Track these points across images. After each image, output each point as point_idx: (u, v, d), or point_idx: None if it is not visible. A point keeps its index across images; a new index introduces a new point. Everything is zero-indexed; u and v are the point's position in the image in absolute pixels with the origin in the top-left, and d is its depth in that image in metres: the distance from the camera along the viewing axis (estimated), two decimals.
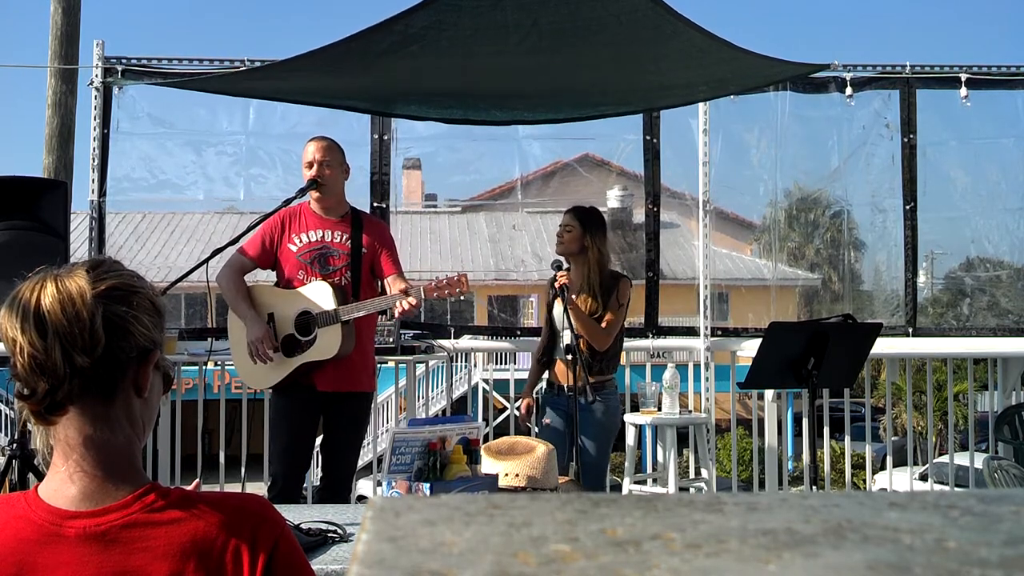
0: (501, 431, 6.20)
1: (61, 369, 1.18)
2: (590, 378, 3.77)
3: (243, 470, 4.66)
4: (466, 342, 5.46)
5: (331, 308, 3.65)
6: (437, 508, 0.46)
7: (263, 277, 4.10)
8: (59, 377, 1.19)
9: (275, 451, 3.90)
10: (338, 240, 3.81)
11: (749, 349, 5.03)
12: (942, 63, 5.40)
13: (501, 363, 12.93)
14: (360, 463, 4.33)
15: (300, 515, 2.34)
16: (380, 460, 4.67)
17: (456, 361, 8.14)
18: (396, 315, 3.71)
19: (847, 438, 5.56)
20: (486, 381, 6.97)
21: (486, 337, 5.90)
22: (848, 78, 5.29)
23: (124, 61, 5.08)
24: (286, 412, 3.84)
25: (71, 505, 1.20)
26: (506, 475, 2.67)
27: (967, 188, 5.70)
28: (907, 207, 5.41)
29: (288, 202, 3.89)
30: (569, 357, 3.73)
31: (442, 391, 11.30)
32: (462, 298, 3.98)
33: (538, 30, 3.63)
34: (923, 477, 10.71)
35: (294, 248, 3.82)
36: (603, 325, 3.96)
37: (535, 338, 4.96)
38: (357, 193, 4.79)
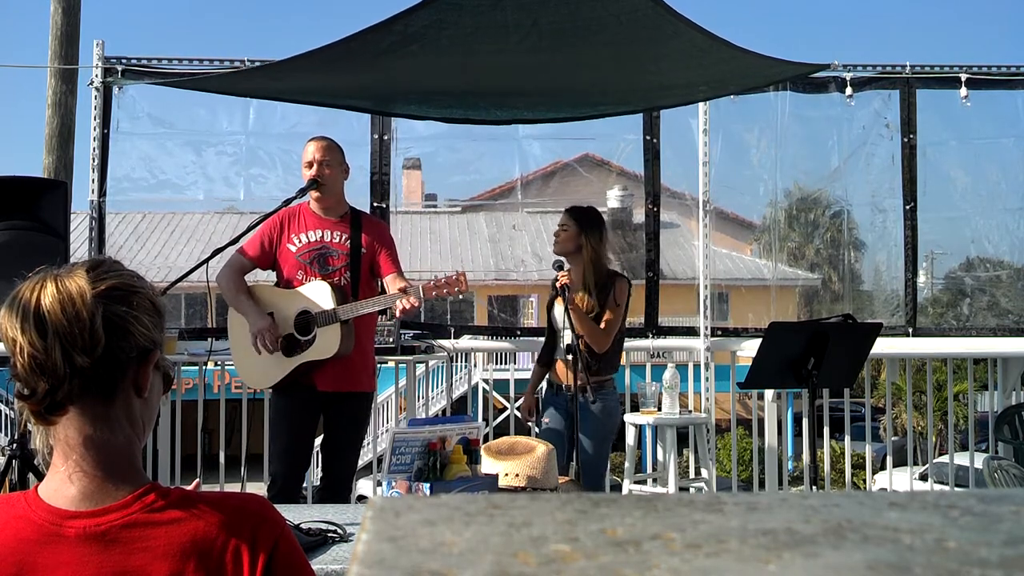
0: (501, 431, 6.21)
1: (61, 369, 1.18)
2: (590, 378, 3.78)
3: (243, 470, 4.66)
4: (466, 342, 5.46)
5: (330, 308, 3.65)
6: (437, 508, 0.46)
7: (263, 277, 4.10)
8: (59, 377, 1.19)
9: (275, 451, 3.91)
10: (337, 240, 3.81)
11: (749, 349, 5.03)
12: (942, 63, 5.40)
13: (501, 363, 12.93)
14: (360, 463, 4.33)
15: (300, 515, 2.34)
16: (380, 460, 4.67)
17: (456, 361, 8.14)
18: (396, 315, 3.71)
19: (847, 438, 5.56)
20: (486, 381, 6.97)
21: (486, 337, 5.90)
22: (848, 78, 5.29)
23: (124, 61, 5.08)
24: (286, 412, 3.84)
25: (71, 505, 1.20)
26: (506, 475, 2.67)
27: (967, 188, 5.70)
28: (907, 207, 5.41)
29: (288, 202, 3.89)
30: (569, 357, 3.73)
31: (442, 391, 11.30)
32: (460, 297, 3.98)
33: (538, 30, 3.63)
34: (923, 477, 10.71)
35: (293, 248, 3.82)
36: (602, 325, 3.96)
37: (535, 338, 4.96)
38: (357, 193, 4.80)
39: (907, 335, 5.41)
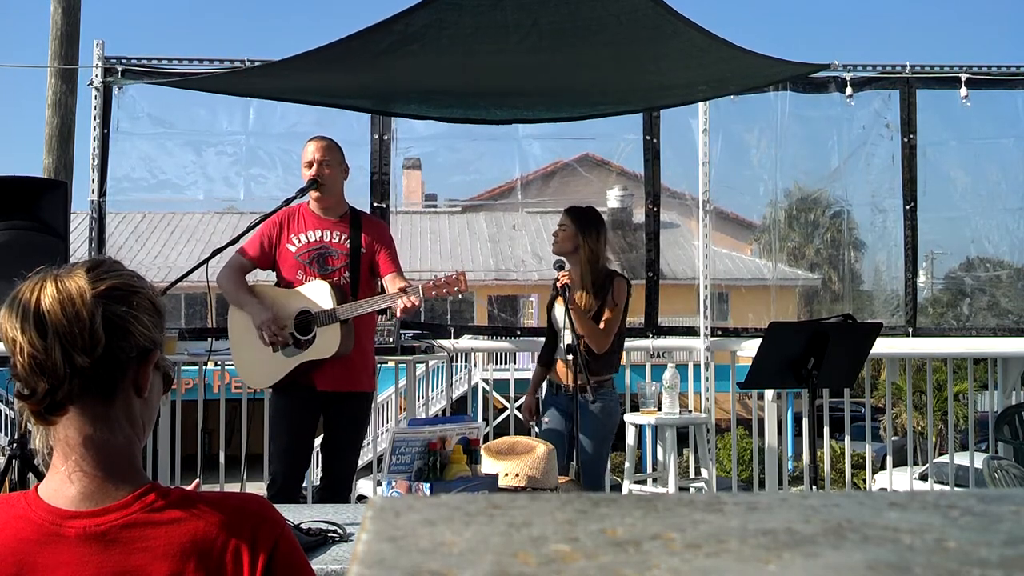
0: (501, 431, 6.20)
1: (61, 369, 1.18)
2: (590, 378, 3.78)
3: (243, 470, 4.66)
4: (466, 342, 5.46)
5: (330, 307, 3.65)
6: (437, 508, 0.46)
7: (263, 277, 4.10)
8: (59, 377, 1.19)
9: (275, 450, 3.91)
10: (337, 240, 3.81)
11: (749, 349, 5.03)
12: (942, 63, 5.40)
13: (501, 363, 12.94)
14: (360, 463, 4.33)
15: (300, 515, 2.34)
16: (380, 460, 4.67)
17: (456, 361, 8.14)
18: (397, 314, 3.71)
19: (847, 438, 5.56)
20: (486, 381, 6.97)
21: (486, 337, 5.90)
22: (848, 78, 5.29)
23: (124, 61, 5.08)
24: (286, 411, 3.84)
25: (71, 505, 1.20)
26: (506, 475, 2.67)
27: (967, 188, 5.70)
28: (907, 207, 5.41)
29: (288, 202, 3.89)
30: (570, 357, 3.73)
31: (442, 391, 11.30)
32: (460, 297, 3.98)
33: (538, 30, 3.63)
34: (923, 477, 10.71)
35: (293, 248, 3.82)
36: (601, 325, 3.96)
37: (535, 338, 4.96)
38: (357, 193, 4.80)
39: (907, 335, 5.41)
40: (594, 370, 3.92)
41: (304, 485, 4.61)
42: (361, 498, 5.51)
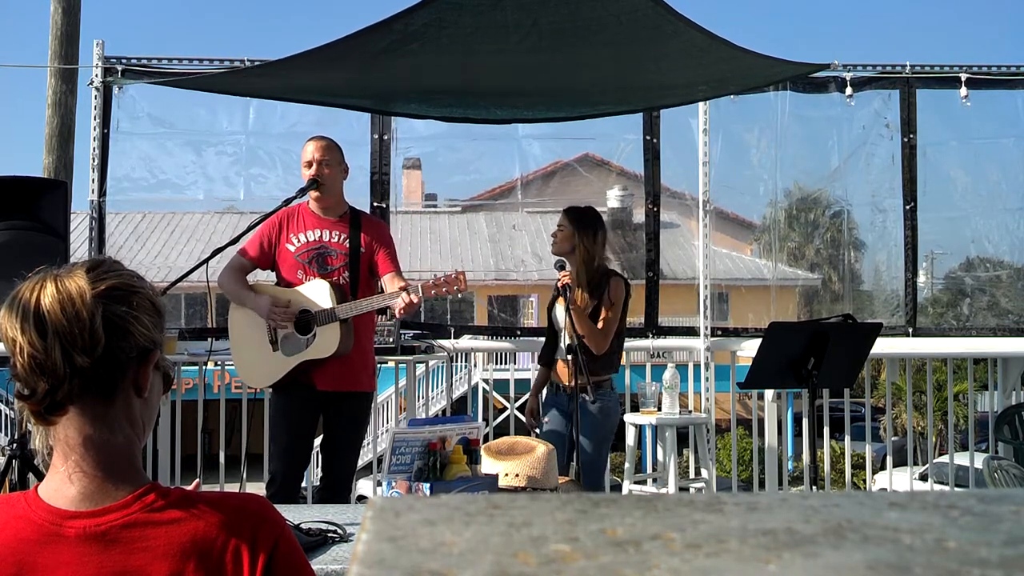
0: (501, 431, 6.20)
1: (61, 369, 1.18)
2: (589, 378, 3.78)
3: (243, 470, 4.66)
4: (466, 342, 5.46)
5: (329, 307, 3.65)
6: (437, 508, 0.46)
7: (263, 277, 4.10)
8: (59, 377, 1.19)
9: (274, 450, 3.91)
10: (336, 240, 3.81)
11: (749, 349, 5.03)
12: (942, 63, 5.40)
13: (501, 363, 12.94)
14: (360, 463, 4.33)
15: (300, 515, 2.33)
16: (380, 460, 4.67)
17: (456, 361, 8.14)
18: (396, 313, 3.70)
19: (847, 438, 5.56)
20: (486, 381, 6.97)
21: (486, 337, 5.91)
22: (848, 78, 5.29)
23: (124, 61, 5.08)
24: (285, 411, 3.84)
25: (71, 505, 1.20)
26: (506, 475, 2.67)
27: (967, 188, 5.70)
28: (907, 207, 5.41)
29: (288, 202, 3.89)
30: (569, 357, 3.73)
31: (442, 391, 11.30)
32: (460, 297, 3.98)
33: (538, 29, 3.63)
34: (923, 477, 10.71)
35: (292, 248, 3.82)
36: (599, 325, 3.96)
37: (535, 338, 4.96)
38: (357, 193, 4.80)
39: (907, 335, 5.41)
40: (593, 370, 3.92)
41: (304, 485, 4.61)
42: (361, 498, 5.51)
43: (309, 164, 3.80)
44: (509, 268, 13.43)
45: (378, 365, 4.36)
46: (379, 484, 3.29)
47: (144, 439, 1.32)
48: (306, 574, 1.29)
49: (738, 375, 4.89)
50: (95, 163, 5.02)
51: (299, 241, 3.82)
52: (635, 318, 5.21)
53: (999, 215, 5.65)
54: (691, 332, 5.49)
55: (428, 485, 2.48)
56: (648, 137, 5.35)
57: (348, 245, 3.80)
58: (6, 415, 13.71)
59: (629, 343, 4.86)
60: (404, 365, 5.14)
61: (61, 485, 1.22)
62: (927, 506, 0.47)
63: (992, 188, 5.73)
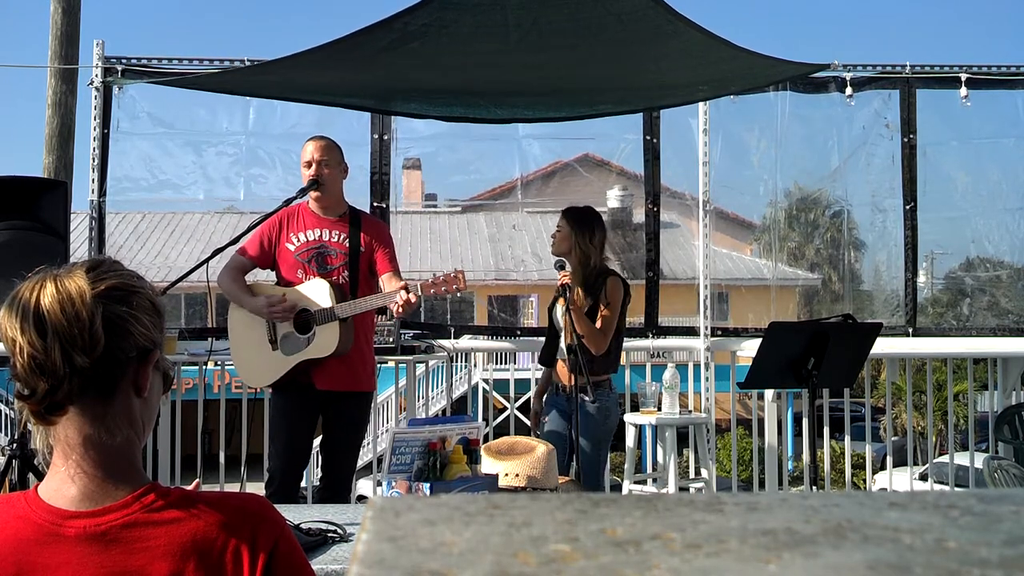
0: (501, 431, 6.20)
1: (61, 369, 1.18)
2: (589, 377, 3.78)
3: (243, 470, 4.66)
4: (466, 342, 5.46)
5: (328, 306, 3.65)
6: (437, 508, 0.46)
7: (263, 277, 4.11)
8: (59, 377, 1.19)
9: (273, 449, 3.91)
10: (336, 239, 3.82)
11: (749, 349, 5.03)
12: (942, 63, 5.40)
13: (501, 363, 12.94)
14: (360, 463, 4.33)
15: (300, 515, 2.34)
16: (380, 460, 4.67)
17: (456, 361, 8.14)
18: (395, 312, 3.70)
19: (847, 438, 5.56)
20: (486, 381, 6.97)
21: (486, 337, 5.91)
22: (848, 78, 5.29)
23: (124, 61, 5.08)
24: (285, 410, 3.85)
25: (71, 505, 1.20)
26: (506, 475, 2.67)
27: (967, 188, 5.70)
28: (907, 207, 5.41)
29: (288, 202, 3.89)
30: (569, 357, 3.74)
31: (442, 391, 11.30)
32: (459, 296, 3.99)
33: (538, 29, 3.63)
34: (923, 477, 10.71)
35: (292, 247, 3.83)
36: (597, 324, 3.96)
37: (535, 338, 4.96)
38: (357, 193, 4.80)
39: (907, 335, 5.41)
40: (592, 370, 3.92)
41: (304, 485, 4.61)
42: (361, 498, 5.51)
43: (309, 164, 3.81)
44: (509, 268, 13.43)
45: (378, 365, 4.36)
46: (379, 484, 3.29)
47: (144, 439, 1.32)
48: (306, 574, 1.29)
49: (738, 375, 4.89)
50: (95, 163, 5.02)
51: (299, 240, 3.83)
52: (635, 318, 5.21)
53: (999, 215, 5.65)
54: (691, 332, 5.49)
55: (428, 485, 2.48)
56: (648, 137, 5.35)
57: (348, 245, 3.80)
58: (6, 415, 13.71)
59: (629, 343, 4.86)
60: (404, 365, 5.14)
61: (61, 485, 1.22)
62: (927, 506, 0.47)
63: (992, 188, 5.73)
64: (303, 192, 3.82)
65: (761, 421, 5.47)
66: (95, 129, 5.02)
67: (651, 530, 0.43)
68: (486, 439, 3.23)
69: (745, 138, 5.71)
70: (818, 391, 4.30)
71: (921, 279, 5.90)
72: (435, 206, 15.76)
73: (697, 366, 5.37)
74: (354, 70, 4.20)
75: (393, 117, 5.23)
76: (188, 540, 1.20)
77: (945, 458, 7.18)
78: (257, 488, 2.95)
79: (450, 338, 5.20)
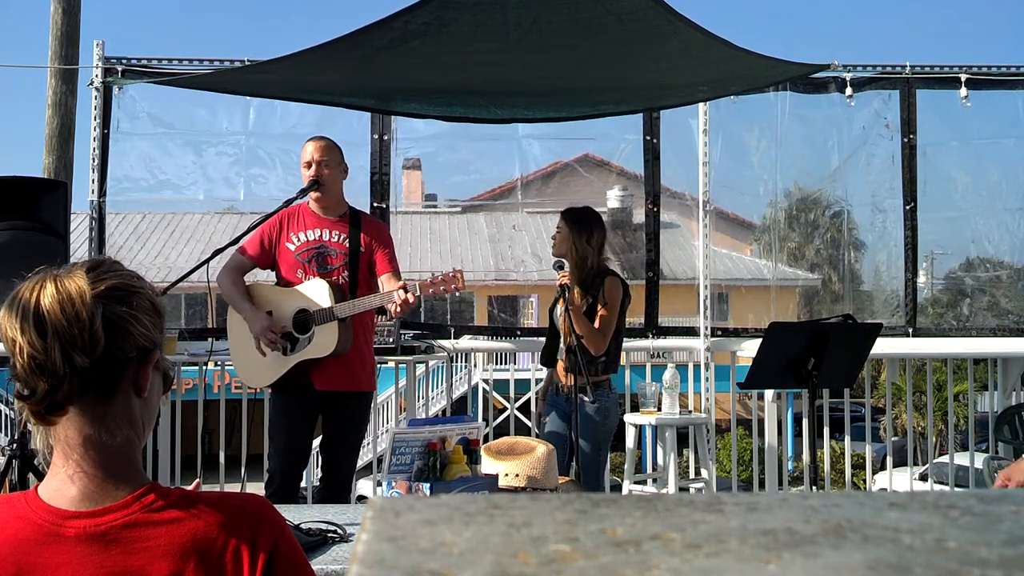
0: (501, 431, 6.20)
1: (61, 369, 1.18)
2: (588, 378, 3.78)
3: (243, 470, 4.66)
4: (466, 342, 5.46)
5: (328, 306, 3.65)
6: (437, 508, 0.46)
7: (263, 277, 4.11)
8: (59, 377, 1.19)
9: (273, 449, 3.91)
10: (336, 239, 3.82)
11: (749, 349, 5.03)
12: (942, 63, 5.40)
13: (501, 363, 12.93)
14: (360, 463, 4.33)
15: (300, 515, 2.33)
16: (380, 460, 4.67)
17: (456, 361, 8.14)
18: (394, 311, 3.70)
19: (847, 438, 5.56)
20: (486, 381, 6.97)
21: (486, 337, 5.91)
22: (848, 78, 5.29)
23: (124, 61, 5.08)
24: (285, 410, 3.85)
25: (71, 505, 1.20)
26: (506, 475, 2.67)
27: (967, 188, 5.71)
28: (907, 207, 5.41)
29: (289, 202, 3.90)
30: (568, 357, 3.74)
31: (442, 391, 11.29)
32: (459, 296, 3.98)
33: (538, 29, 3.63)
34: (923, 477, 10.71)
35: (292, 247, 3.83)
36: (595, 324, 3.96)
37: (535, 338, 4.96)
38: (357, 193, 4.80)
39: (907, 335, 5.41)
40: (592, 371, 3.92)
41: (304, 485, 4.61)
42: (361, 498, 5.52)
43: (309, 164, 3.81)
44: (509, 268, 13.43)
45: (378, 365, 4.36)
46: (379, 484, 3.29)
47: (144, 439, 1.32)
48: (306, 574, 1.29)
49: (738, 375, 4.89)
50: (95, 163, 5.02)
51: (299, 240, 3.83)
52: (635, 318, 5.21)
53: (999, 215, 5.65)
54: (691, 332, 5.49)
55: (428, 485, 2.48)
56: (648, 137, 5.35)
57: (348, 245, 3.80)
58: (6, 415, 13.71)
59: (629, 343, 4.86)
60: (404, 365, 5.14)
61: (61, 485, 1.22)
62: (927, 506, 0.47)
63: (992, 188, 5.73)
64: (303, 192, 3.82)
65: (761, 421, 5.47)
66: (95, 129, 5.02)
67: (651, 530, 0.43)
68: (486, 439, 3.23)
69: (745, 138, 5.71)
70: (818, 391, 4.30)
71: (921, 279, 5.90)
72: (435, 206, 15.76)
73: (697, 366, 5.37)
74: (354, 70, 4.20)
75: (393, 117, 5.23)
76: (188, 540, 1.20)
77: (945, 458, 7.18)
78: (257, 488, 2.95)
79: (450, 338, 5.20)
